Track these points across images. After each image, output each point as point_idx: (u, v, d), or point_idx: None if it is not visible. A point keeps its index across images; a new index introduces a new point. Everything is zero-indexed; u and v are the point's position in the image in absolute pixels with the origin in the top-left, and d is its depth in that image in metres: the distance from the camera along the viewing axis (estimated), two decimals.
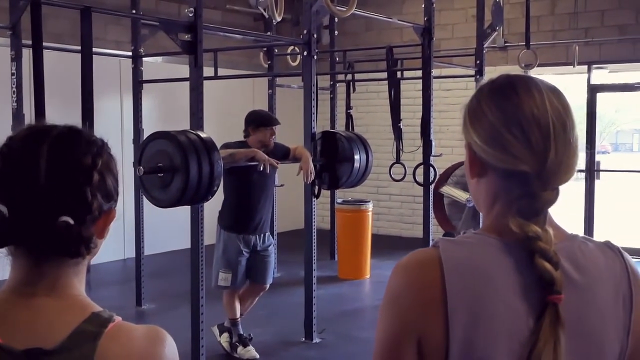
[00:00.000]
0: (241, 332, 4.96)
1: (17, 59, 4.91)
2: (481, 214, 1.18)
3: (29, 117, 4.95)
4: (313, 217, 5.36)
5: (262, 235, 4.90)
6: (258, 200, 4.82)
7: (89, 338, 1.03)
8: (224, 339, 4.97)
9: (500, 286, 1.05)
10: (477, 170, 1.15)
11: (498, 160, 1.09)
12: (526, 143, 1.06)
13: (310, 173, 4.99)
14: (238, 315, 4.95)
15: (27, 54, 4.50)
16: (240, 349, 4.93)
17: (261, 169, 4.62)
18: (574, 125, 1.10)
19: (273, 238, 7.38)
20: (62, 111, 6.23)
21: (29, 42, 3.92)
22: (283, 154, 5.01)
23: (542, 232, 1.05)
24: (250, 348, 4.94)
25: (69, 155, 1.07)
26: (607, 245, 1.15)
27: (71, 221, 1.04)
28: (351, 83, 7.85)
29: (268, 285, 5.05)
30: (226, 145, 4.67)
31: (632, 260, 1.16)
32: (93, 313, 1.07)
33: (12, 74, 4.95)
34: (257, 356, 4.93)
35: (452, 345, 1.03)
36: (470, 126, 1.13)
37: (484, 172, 1.13)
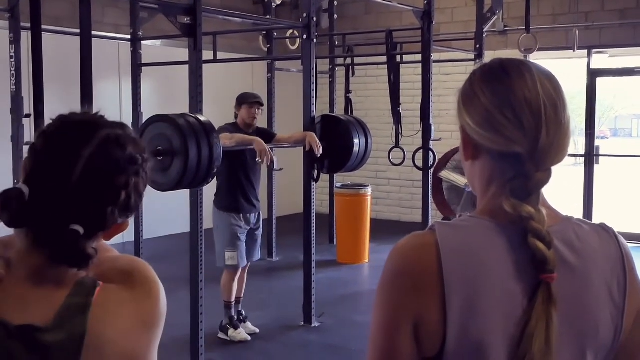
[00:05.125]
0: (232, 315, 5.04)
1: (15, 41, 4.89)
2: (477, 195, 1.19)
3: (28, 100, 4.94)
4: (312, 201, 5.37)
5: (257, 213, 5.05)
6: (252, 180, 4.99)
7: (78, 311, 1.03)
8: (231, 333, 5.03)
9: (495, 269, 1.07)
10: (471, 153, 1.16)
11: (491, 142, 1.11)
12: (518, 125, 1.08)
13: (318, 146, 5.08)
14: (233, 298, 5.02)
15: (25, 37, 4.48)
16: (231, 331, 5.01)
17: (258, 160, 4.73)
18: (565, 107, 1.11)
19: (272, 222, 7.45)
20: (60, 94, 6.23)
21: (28, 25, 3.90)
22: (267, 137, 5.07)
23: (535, 213, 1.07)
24: (241, 330, 5.02)
25: (105, 168, 1.06)
26: (602, 227, 1.16)
27: (81, 231, 1.04)
28: (350, 67, 7.83)
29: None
30: (221, 129, 4.74)
31: (626, 242, 1.17)
32: (76, 282, 1.06)
33: (11, 57, 4.93)
34: (249, 338, 4.99)
35: (449, 329, 1.04)
36: (463, 109, 1.15)
37: (477, 155, 1.15)
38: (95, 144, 1.06)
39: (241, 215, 4.93)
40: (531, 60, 1.17)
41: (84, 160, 1.04)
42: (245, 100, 4.98)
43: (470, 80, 1.17)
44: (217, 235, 4.93)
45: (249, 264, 5.18)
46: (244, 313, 5.15)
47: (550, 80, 1.12)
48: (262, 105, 5.04)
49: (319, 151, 5.12)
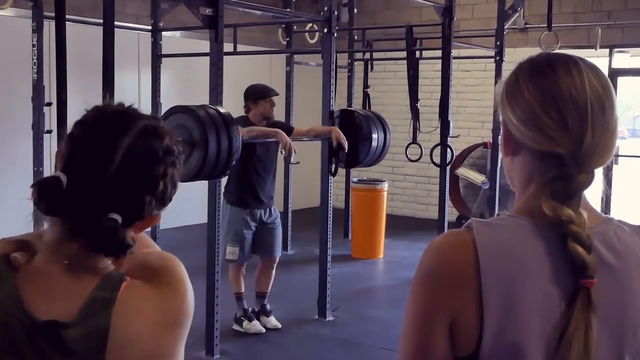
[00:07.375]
0: (246, 307, 5.03)
1: (38, 30, 4.92)
2: (515, 193, 1.16)
3: (49, 88, 4.98)
4: (329, 195, 5.36)
5: (267, 209, 4.95)
6: (263, 175, 4.88)
7: (102, 306, 1.03)
8: (245, 324, 5.02)
9: (533, 270, 1.04)
10: (511, 149, 1.13)
11: (533, 141, 1.07)
12: (563, 125, 1.05)
13: (344, 140, 5.02)
14: (243, 289, 5.01)
15: (47, 26, 4.50)
16: (245, 323, 5.00)
17: (282, 152, 4.67)
18: (613, 107, 1.07)
19: (288, 215, 7.46)
20: (80, 83, 6.24)
21: (50, 14, 3.92)
22: (285, 130, 4.90)
23: (575, 216, 1.04)
24: (255, 322, 5.01)
25: (144, 157, 1.07)
26: None
27: (119, 220, 1.04)
28: (369, 62, 7.80)
29: (277, 258, 5.08)
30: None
31: None
32: (103, 276, 1.06)
33: (33, 46, 4.96)
34: (263, 330, 4.99)
35: (485, 329, 1.02)
36: (507, 104, 1.11)
37: (518, 151, 1.12)
38: (134, 134, 1.07)
39: (247, 211, 4.83)
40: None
41: (122, 149, 1.05)
42: (264, 95, 4.82)
43: (516, 74, 1.12)
44: (222, 229, 4.79)
45: (277, 259, 5.08)
46: (268, 307, 5.13)
47: (598, 78, 1.08)
48: (277, 95, 4.95)
49: (346, 145, 5.05)
